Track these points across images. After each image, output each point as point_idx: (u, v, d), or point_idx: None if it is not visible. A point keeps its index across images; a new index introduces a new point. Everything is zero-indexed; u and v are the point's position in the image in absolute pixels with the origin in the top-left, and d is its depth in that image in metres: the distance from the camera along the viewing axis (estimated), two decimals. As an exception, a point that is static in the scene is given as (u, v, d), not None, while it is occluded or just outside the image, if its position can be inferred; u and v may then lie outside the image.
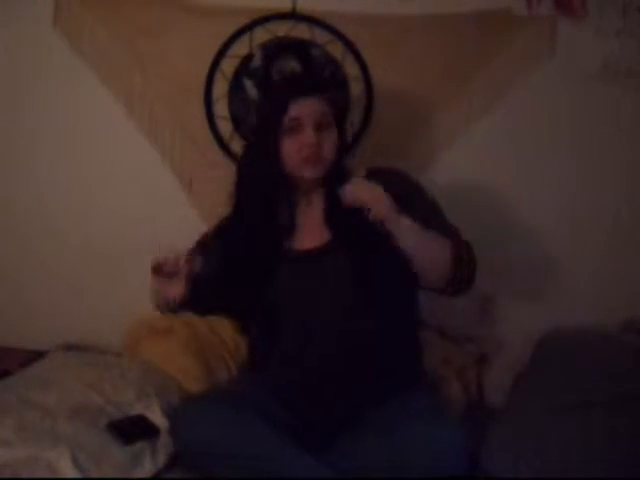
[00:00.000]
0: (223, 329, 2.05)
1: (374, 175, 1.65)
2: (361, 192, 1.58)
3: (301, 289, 1.65)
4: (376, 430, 1.55)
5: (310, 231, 1.69)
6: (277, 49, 2.07)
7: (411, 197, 1.67)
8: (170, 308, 1.60)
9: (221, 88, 2.09)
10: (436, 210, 1.70)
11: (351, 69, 2.07)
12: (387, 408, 1.61)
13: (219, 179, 2.13)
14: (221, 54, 2.07)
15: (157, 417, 1.71)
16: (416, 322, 1.78)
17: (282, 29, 2.07)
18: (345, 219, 1.63)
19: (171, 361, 1.97)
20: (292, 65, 2.08)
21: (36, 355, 2.06)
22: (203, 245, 1.79)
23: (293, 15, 2.06)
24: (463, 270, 1.59)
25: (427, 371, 1.80)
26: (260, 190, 1.68)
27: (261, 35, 2.07)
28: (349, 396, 1.64)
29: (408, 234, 1.56)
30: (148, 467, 1.58)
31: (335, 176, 1.67)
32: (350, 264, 1.62)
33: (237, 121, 2.10)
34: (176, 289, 1.53)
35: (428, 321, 1.96)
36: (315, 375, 1.63)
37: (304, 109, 1.61)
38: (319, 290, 1.63)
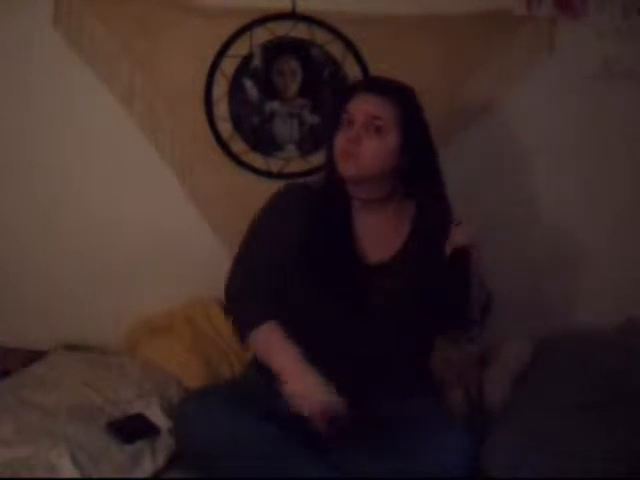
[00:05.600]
0: (226, 327, 2.04)
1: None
2: (472, 236, 1.58)
3: (342, 298, 1.63)
4: (380, 432, 1.55)
5: (372, 243, 1.67)
6: (277, 49, 2.07)
7: None
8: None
9: (221, 88, 2.09)
10: None
11: (351, 69, 2.06)
12: (392, 411, 1.61)
13: (219, 179, 2.14)
14: (221, 54, 2.07)
15: (157, 416, 1.71)
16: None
17: (282, 29, 2.07)
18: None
19: (171, 359, 1.97)
20: (292, 65, 2.08)
21: (36, 355, 2.06)
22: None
23: (293, 15, 2.06)
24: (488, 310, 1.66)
25: (432, 374, 1.81)
26: (326, 184, 1.69)
27: (261, 35, 2.07)
28: (358, 399, 1.64)
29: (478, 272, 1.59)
30: (148, 467, 1.58)
31: (420, 196, 1.67)
32: (413, 286, 1.62)
33: (237, 121, 2.11)
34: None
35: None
36: (329, 378, 1.62)
37: (357, 105, 1.61)
38: (363, 303, 1.62)
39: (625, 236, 2.13)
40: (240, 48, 2.07)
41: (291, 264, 1.65)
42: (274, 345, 1.56)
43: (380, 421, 1.59)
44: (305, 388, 1.49)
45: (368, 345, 1.62)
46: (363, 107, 1.61)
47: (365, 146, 1.59)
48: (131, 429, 1.64)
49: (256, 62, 2.08)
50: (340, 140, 1.62)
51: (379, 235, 1.68)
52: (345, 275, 1.63)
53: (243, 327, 1.62)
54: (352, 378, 1.60)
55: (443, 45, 2.05)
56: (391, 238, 1.68)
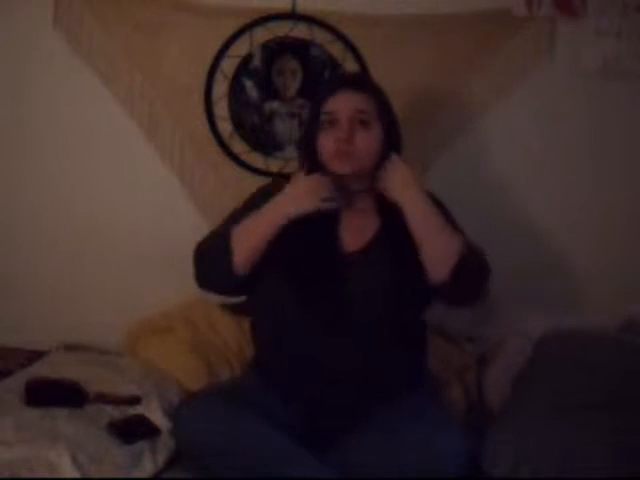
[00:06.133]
0: (225, 329, 2.05)
1: None
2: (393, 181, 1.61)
3: (326, 291, 1.63)
4: (378, 431, 1.55)
5: (350, 233, 1.68)
6: (277, 49, 2.07)
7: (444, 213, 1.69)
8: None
9: (221, 88, 2.09)
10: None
11: (351, 69, 2.07)
12: (390, 409, 1.61)
13: (219, 179, 2.14)
14: (221, 54, 2.07)
15: (157, 417, 1.71)
16: (425, 326, 1.80)
17: (282, 29, 2.07)
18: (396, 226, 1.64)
19: (171, 360, 1.97)
20: (292, 65, 2.08)
21: (36, 355, 2.06)
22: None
23: (293, 15, 2.06)
24: (470, 268, 1.57)
25: (430, 373, 1.81)
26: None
27: (261, 35, 2.07)
28: (355, 398, 1.64)
29: (424, 219, 1.58)
30: (148, 467, 1.58)
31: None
32: (388, 270, 1.63)
33: (237, 121, 2.11)
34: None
35: (428, 321, 1.96)
36: (324, 378, 1.63)
37: (339, 104, 1.61)
38: (343, 294, 1.63)
39: (625, 235, 2.13)
40: (240, 48, 2.07)
41: (267, 257, 1.66)
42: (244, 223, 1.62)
43: (377, 420, 1.60)
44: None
45: (349, 339, 1.62)
46: (347, 104, 1.61)
47: (357, 142, 1.61)
48: (131, 429, 1.63)
49: (256, 62, 2.08)
50: (329, 141, 1.62)
51: (355, 225, 1.69)
52: (322, 265, 1.64)
53: (222, 251, 1.62)
54: (339, 374, 1.62)
55: (443, 45, 2.06)
56: (365, 228, 1.69)
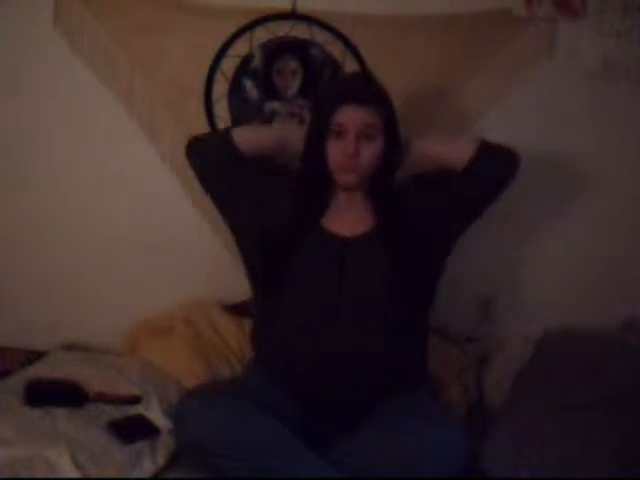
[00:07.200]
0: (225, 329, 2.05)
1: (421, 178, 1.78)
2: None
3: (325, 280, 1.66)
4: (380, 429, 1.56)
5: (350, 224, 1.71)
6: (277, 49, 2.07)
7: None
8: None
9: (221, 88, 2.09)
10: None
11: (351, 69, 2.07)
12: (391, 408, 1.62)
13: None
14: (221, 54, 2.07)
15: (157, 417, 1.71)
16: (427, 325, 1.80)
17: (282, 29, 2.07)
18: (391, 217, 1.70)
19: (171, 360, 1.97)
20: (292, 65, 2.08)
21: (36, 355, 2.06)
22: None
23: (293, 15, 2.06)
24: (494, 148, 1.72)
25: (430, 372, 1.81)
26: (305, 182, 1.73)
27: (261, 35, 2.07)
28: (357, 396, 1.64)
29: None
30: (148, 467, 1.58)
31: (380, 188, 1.71)
32: (389, 260, 1.65)
33: (237, 121, 2.11)
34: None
35: (430, 323, 1.97)
36: (325, 374, 1.63)
37: (349, 117, 1.63)
38: (343, 285, 1.65)
39: (624, 235, 2.13)
40: (240, 48, 2.07)
41: (266, 243, 1.70)
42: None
43: (378, 419, 1.60)
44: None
45: (346, 328, 1.63)
46: (356, 118, 1.63)
47: (363, 156, 1.64)
48: (131, 429, 1.64)
49: (256, 62, 2.08)
50: (337, 154, 1.65)
51: (351, 220, 1.72)
52: (320, 253, 1.67)
53: (219, 134, 1.85)
54: (340, 371, 1.63)
55: (443, 45, 2.06)
56: (361, 222, 1.71)
